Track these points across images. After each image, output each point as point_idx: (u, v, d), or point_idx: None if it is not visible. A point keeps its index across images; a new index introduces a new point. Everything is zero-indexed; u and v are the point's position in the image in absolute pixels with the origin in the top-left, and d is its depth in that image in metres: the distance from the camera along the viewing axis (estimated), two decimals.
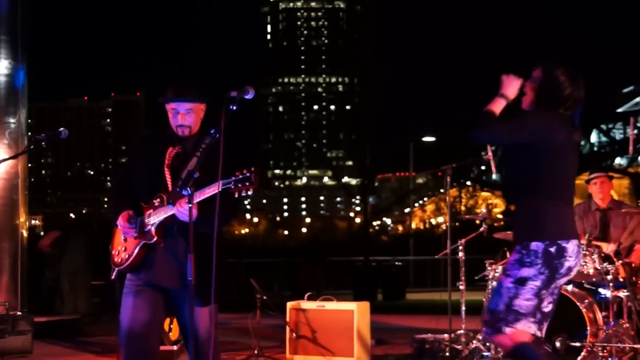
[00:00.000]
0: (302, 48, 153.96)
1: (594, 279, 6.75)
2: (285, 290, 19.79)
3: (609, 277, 6.61)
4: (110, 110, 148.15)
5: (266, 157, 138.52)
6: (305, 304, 7.54)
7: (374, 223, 60.31)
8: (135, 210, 4.56)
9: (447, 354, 7.24)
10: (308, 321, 7.43)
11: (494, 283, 7.11)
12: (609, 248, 7.12)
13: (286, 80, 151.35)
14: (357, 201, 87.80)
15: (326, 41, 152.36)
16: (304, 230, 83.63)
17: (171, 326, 7.29)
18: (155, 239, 4.46)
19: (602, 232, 7.45)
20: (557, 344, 6.35)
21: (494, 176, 33.41)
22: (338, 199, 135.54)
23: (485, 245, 8.78)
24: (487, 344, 7.02)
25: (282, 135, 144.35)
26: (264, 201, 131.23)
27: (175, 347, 7.30)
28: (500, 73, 4.47)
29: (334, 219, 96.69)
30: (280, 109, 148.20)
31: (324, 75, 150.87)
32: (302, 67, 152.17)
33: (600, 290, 6.76)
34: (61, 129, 4.94)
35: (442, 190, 45.95)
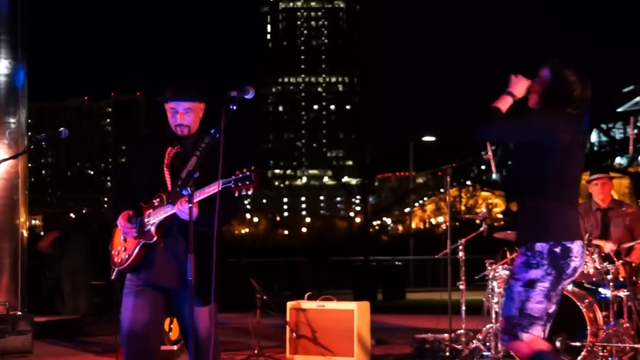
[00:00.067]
0: (302, 48, 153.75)
1: (594, 279, 6.76)
2: (285, 290, 19.77)
3: (609, 276, 6.62)
4: (110, 110, 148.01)
5: (266, 156, 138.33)
6: (306, 304, 7.55)
7: (374, 223, 60.22)
8: (135, 210, 4.55)
9: (447, 353, 7.24)
10: (308, 321, 7.44)
11: (494, 283, 7.13)
12: (607, 247, 7.12)
13: (286, 80, 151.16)
14: (357, 201, 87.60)
15: (326, 41, 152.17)
16: (304, 230, 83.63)
17: (171, 326, 7.30)
18: (155, 238, 4.45)
19: (602, 232, 7.46)
20: (557, 344, 6.34)
21: (494, 176, 33.43)
22: (338, 198, 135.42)
23: (485, 245, 8.77)
24: (487, 343, 7.03)
25: (282, 135, 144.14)
26: (264, 201, 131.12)
27: (175, 347, 7.30)
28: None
29: (334, 219, 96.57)
30: (280, 108, 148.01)
31: (323, 75, 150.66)
32: (302, 67, 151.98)
33: (601, 289, 6.77)
34: (61, 128, 4.94)
35: (442, 190, 45.90)
